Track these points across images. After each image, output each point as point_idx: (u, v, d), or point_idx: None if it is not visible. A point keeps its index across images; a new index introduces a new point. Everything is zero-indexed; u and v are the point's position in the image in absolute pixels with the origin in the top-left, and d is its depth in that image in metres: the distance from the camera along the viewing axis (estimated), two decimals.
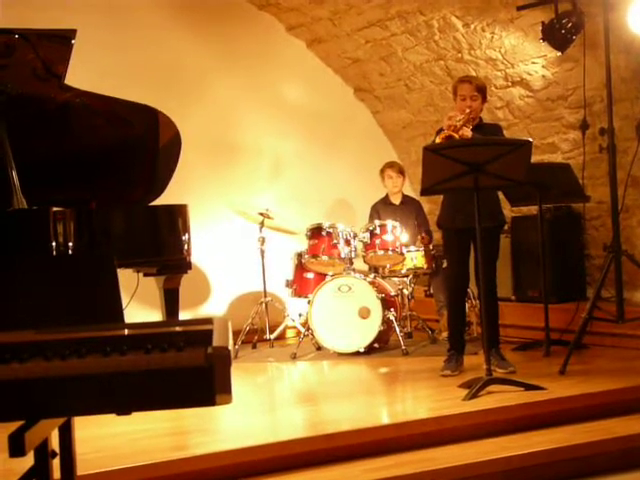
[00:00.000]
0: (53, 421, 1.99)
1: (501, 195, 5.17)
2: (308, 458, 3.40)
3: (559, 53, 5.17)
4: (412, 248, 6.01)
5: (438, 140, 4.45)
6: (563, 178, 5.22)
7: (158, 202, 4.55)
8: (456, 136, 4.40)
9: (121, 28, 6.24)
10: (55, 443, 2.13)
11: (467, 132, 4.47)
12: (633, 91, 5.29)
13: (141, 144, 4.55)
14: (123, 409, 1.66)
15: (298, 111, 7.06)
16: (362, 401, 4.31)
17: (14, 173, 3.77)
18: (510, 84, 6.07)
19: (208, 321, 1.79)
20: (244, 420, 3.91)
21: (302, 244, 5.98)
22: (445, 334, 5.50)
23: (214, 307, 6.65)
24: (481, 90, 4.72)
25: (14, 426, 1.67)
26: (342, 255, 5.73)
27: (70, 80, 4.14)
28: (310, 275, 6.02)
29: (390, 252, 5.75)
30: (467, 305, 5.51)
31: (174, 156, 4.62)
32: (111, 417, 1.73)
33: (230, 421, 3.92)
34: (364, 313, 5.59)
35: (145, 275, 4.59)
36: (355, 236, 5.83)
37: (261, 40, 6.91)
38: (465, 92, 4.68)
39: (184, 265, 4.46)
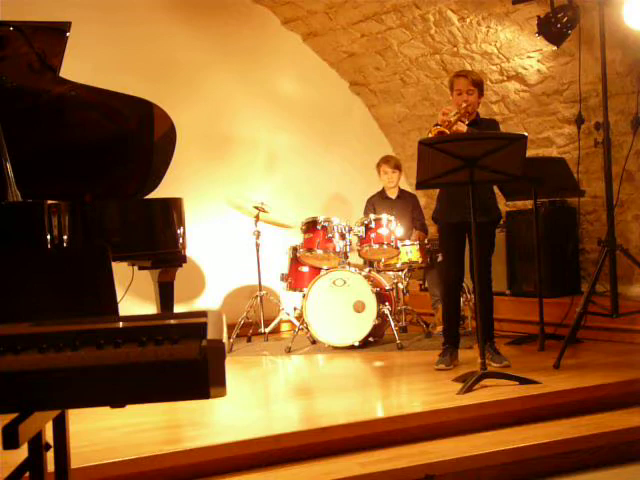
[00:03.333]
0: (47, 413, 1.98)
1: (496, 190, 5.17)
2: (302, 451, 3.40)
3: (554, 47, 5.17)
4: (407, 242, 6.01)
5: (430, 135, 4.43)
6: (558, 172, 5.23)
7: (153, 195, 4.54)
8: (448, 132, 4.39)
9: (116, 22, 6.23)
10: (49, 436, 2.13)
11: (462, 127, 4.45)
12: (628, 86, 5.29)
13: (136, 137, 4.54)
14: (117, 402, 1.66)
15: (293, 105, 7.05)
16: (357, 395, 4.31)
17: (8, 166, 3.76)
18: (505, 78, 6.07)
19: (203, 314, 1.79)
20: (238, 413, 3.91)
21: (297, 238, 5.97)
22: (440, 328, 5.50)
23: (209, 300, 6.65)
24: (477, 84, 4.71)
25: (8, 418, 1.67)
26: (337, 249, 5.72)
27: (65, 73, 4.13)
28: (305, 269, 6.02)
29: (385, 246, 5.74)
30: (462, 299, 5.52)
31: (169, 149, 4.61)
32: (105, 410, 1.73)
33: (224, 414, 3.92)
34: (359, 307, 5.59)
35: (140, 268, 4.59)
36: (350, 230, 5.81)
37: (256, 33, 6.90)
38: (461, 86, 4.68)
39: (179, 258, 4.46)
